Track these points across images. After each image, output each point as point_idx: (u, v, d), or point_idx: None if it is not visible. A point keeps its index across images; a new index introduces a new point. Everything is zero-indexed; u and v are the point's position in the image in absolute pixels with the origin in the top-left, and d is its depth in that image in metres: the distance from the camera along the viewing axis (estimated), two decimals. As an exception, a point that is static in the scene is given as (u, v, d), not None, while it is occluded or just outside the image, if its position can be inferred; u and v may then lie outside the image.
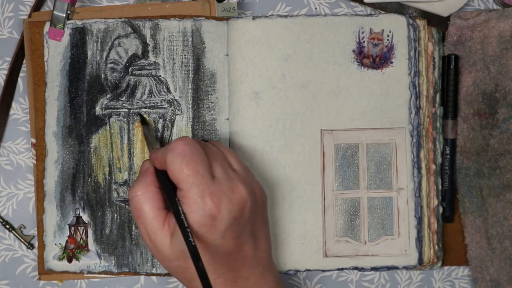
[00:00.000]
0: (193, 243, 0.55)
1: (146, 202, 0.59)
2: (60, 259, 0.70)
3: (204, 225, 0.57)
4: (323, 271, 0.71)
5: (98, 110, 0.70)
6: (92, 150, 0.70)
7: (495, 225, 0.72)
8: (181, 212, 0.57)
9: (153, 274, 0.71)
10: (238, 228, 0.59)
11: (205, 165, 0.58)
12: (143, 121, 0.70)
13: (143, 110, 0.70)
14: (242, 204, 0.58)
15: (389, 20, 0.71)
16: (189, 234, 0.55)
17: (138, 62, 0.71)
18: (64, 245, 0.70)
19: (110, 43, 0.71)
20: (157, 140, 0.69)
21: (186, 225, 0.56)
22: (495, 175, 0.72)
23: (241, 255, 0.60)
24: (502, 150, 0.72)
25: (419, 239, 0.70)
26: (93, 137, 0.70)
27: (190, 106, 0.70)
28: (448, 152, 0.72)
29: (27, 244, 0.72)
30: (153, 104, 0.70)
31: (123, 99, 0.70)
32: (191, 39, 0.71)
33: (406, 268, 0.71)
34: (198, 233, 0.57)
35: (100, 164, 0.70)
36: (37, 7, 0.73)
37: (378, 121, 0.70)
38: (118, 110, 0.70)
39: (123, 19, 0.71)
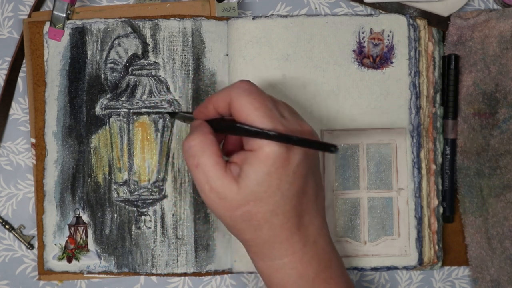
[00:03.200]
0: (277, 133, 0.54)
1: (205, 149, 0.56)
2: (60, 259, 0.70)
3: (280, 157, 0.55)
4: (323, 271, 0.71)
5: (98, 110, 0.70)
6: (92, 150, 0.70)
7: (495, 225, 0.72)
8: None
9: (153, 274, 0.71)
10: (306, 164, 0.57)
11: (272, 102, 0.57)
12: (172, 114, 0.69)
13: (143, 110, 0.70)
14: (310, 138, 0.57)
15: (389, 20, 0.71)
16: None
17: (138, 62, 0.71)
18: (64, 245, 0.70)
19: (110, 43, 0.71)
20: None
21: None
22: (496, 175, 0.72)
23: (305, 198, 0.58)
24: (503, 150, 0.72)
25: (419, 239, 0.70)
26: (93, 137, 0.70)
27: (190, 106, 0.70)
28: (448, 152, 0.72)
29: (27, 244, 0.72)
30: (153, 104, 0.70)
31: (123, 99, 0.70)
32: (191, 39, 0.71)
33: (406, 268, 0.71)
34: (273, 166, 0.55)
35: (100, 164, 0.70)
36: (37, 7, 0.73)
37: (378, 121, 0.70)
38: (118, 110, 0.70)
39: (123, 19, 0.71)
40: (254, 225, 0.57)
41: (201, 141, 0.56)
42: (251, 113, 0.55)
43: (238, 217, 0.57)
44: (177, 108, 0.70)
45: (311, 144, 0.54)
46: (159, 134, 0.70)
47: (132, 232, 0.70)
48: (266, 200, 0.56)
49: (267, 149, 0.55)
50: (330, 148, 0.52)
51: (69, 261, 0.70)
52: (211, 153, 0.56)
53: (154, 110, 0.70)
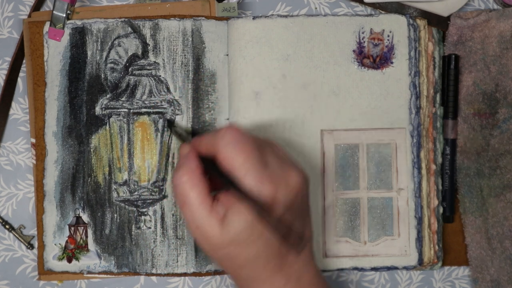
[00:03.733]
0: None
1: (192, 188, 0.57)
2: (60, 259, 0.70)
3: (263, 210, 0.56)
4: (323, 271, 0.71)
5: (98, 110, 0.70)
6: (92, 150, 0.70)
7: (495, 225, 0.72)
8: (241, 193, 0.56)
9: (153, 274, 0.71)
10: (292, 212, 0.58)
11: (257, 152, 0.57)
12: (170, 124, 0.69)
13: (143, 110, 0.70)
14: (297, 188, 0.58)
15: (389, 20, 0.71)
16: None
17: (138, 62, 0.71)
18: (64, 245, 0.70)
19: (110, 43, 0.71)
20: (189, 135, 0.69)
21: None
22: (496, 175, 0.72)
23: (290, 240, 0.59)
24: (503, 150, 0.72)
25: (419, 239, 0.70)
26: (93, 137, 0.70)
27: (190, 106, 0.70)
28: (448, 152, 0.72)
29: (27, 244, 0.72)
30: (153, 104, 0.70)
31: (123, 99, 0.70)
32: (191, 39, 0.71)
33: (406, 268, 0.71)
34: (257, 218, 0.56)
35: (100, 164, 0.70)
36: (37, 7, 0.73)
37: (378, 121, 0.70)
38: (118, 110, 0.70)
39: (123, 19, 0.71)
40: (236, 264, 0.59)
41: (189, 179, 0.57)
42: (235, 169, 0.56)
43: (221, 256, 0.58)
44: (177, 108, 0.70)
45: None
46: (159, 134, 0.70)
47: (132, 232, 0.70)
48: (248, 245, 0.57)
49: (250, 203, 0.56)
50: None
51: (69, 261, 0.70)
52: (199, 192, 0.57)
53: (154, 110, 0.70)
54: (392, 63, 0.70)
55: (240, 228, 0.56)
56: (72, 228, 0.70)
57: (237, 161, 0.56)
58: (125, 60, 0.71)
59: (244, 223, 0.56)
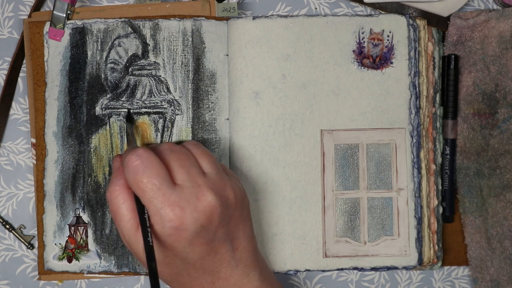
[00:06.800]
0: (150, 243, 0.55)
1: (122, 204, 0.58)
2: (60, 259, 0.70)
3: (170, 235, 0.56)
4: (323, 271, 0.71)
5: (98, 110, 0.70)
6: (92, 150, 0.70)
7: (495, 225, 0.72)
8: (145, 213, 0.57)
9: (153, 274, 0.71)
10: (208, 234, 0.58)
11: (161, 176, 0.57)
12: (129, 118, 0.69)
13: (143, 110, 0.70)
14: (209, 210, 0.57)
15: (389, 20, 0.71)
16: (148, 234, 0.55)
17: (138, 62, 0.71)
18: (64, 245, 0.70)
19: (110, 43, 0.71)
20: (136, 140, 0.69)
21: (148, 224, 0.56)
22: (495, 175, 0.72)
23: (217, 257, 0.59)
24: (502, 150, 0.72)
25: (419, 239, 0.70)
26: (93, 137, 0.70)
27: (190, 106, 0.70)
28: (448, 152, 0.72)
29: (27, 244, 0.72)
30: (153, 104, 0.70)
31: (123, 99, 0.70)
32: (191, 39, 0.71)
33: (406, 268, 0.71)
34: (166, 242, 0.57)
35: (100, 164, 0.70)
36: (37, 7, 0.73)
37: (378, 121, 0.70)
38: (118, 110, 0.70)
39: (123, 19, 0.71)
40: (164, 279, 0.60)
41: (119, 195, 0.58)
42: (140, 196, 0.57)
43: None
44: (177, 108, 0.70)
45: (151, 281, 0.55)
46: (159, 134, 0.70)
47: (132, 232, 0.70)
48: (167, 265, 0.59)
49: (156, 228, 0.57)
50: None
51: (69, 261, 0.70)
52: (128, 208, 0.58)
53: (154, 110, 0.70)
54: (392, 63, 0.71)
55: (155, 249, 0.57)
56: (72, 228, 0.70)
57: (139, 189, 0.56)
58: (125, 60, 0.71)
59: (157, 246, 0.58)
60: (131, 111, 0.70)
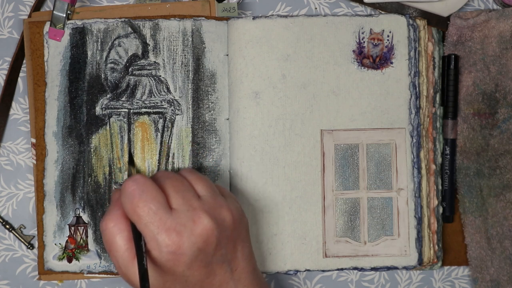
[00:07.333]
0: (145, 267, 0.55)
1: (118, 234, 0.58)
2: (60, 259, 0.70)
3: (168, 260, 0.56)
4: (323, 271, 0.71)
5: (98, 110, 0.70)
6: (92, 150, 0.70)
7: (495, 225, 0.72)
8: (142, 241, 0.57)
9: (153, 274, 0.71)
10: (205, 257, 0.58)
11: (158, 201, 0.57)
12: (131, 161, 0.67)
13: (143, 110, 0.70)
14: (206, 234, 0.57)
15: (389, 20, 0.71)
16: (144, 258, 0.56)
17: (138, 62, 0.71)
18: (64, 245, 0.70)
19: (110, 43, 0.71)
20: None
21: (144, 250, 0.56)
22: (495, 175, 0.72)
23: (216, 279, 0.59)
24: (502, 150, 0.72)
25: (419, 239, 0.70)
26: (93, 137, 0.70)
27: (190, 106, 0.71)
28: (448, 152, 0.72)
29: (27, 244, 0.72)
30: (153, 104, 0.70)
31: (123, 99, 0.70)
32: (191, 39, 0.71)
33: (406, 268, 0.71)
34: (164, 267, 0.57)
35: (100, 164, 0.70)
36: (37, 7, 0.73)
37: (378, 121, 0.70)
38: (118, 110, 0.70)
39: (123, 19, 0.71)
40: None
41: (115, 225, 0.58)
42: (136, 222, 0.57)
43: None
44: (177, 108, 0.70)
45: None
46: (159, 134, 0.70)
47: (132, 232, 0.70)
48: None
49: (153, 254, 0.57)
50: None
51: (69, 261, 0.70)
52: (123, 238, 0.58)
53: (154, 110, 0.70)
54: (392, 63, 0.71)
55: (153, 275, 0.57)
56: (72, 228, 0.70)
57: (136, 215, 0.56)
58: (125, 60, 0.71)
59: (154, 272, 0.57)
60: (131, 111, 0.70)
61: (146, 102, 0.70)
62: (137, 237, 0.57)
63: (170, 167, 0.70)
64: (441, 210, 0.72)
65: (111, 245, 0.58)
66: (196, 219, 0.57)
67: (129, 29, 0.71)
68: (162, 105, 0.70)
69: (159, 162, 0.70)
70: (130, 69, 0.71)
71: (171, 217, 0.57)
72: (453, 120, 0.72)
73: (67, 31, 0.70)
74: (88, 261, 0.70)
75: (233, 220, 0.60)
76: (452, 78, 0.72)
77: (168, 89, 0.71)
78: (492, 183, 0.72)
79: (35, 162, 0.71)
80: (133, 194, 0.57)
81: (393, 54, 0.70)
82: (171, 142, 0.71)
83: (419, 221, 0.70)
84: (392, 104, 0.70)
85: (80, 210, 0.70)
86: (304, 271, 0.70)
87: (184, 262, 0.57)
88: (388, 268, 0.71)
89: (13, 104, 0.74)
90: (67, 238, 0.70)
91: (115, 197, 0.61)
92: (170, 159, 0.71)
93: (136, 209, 0.56)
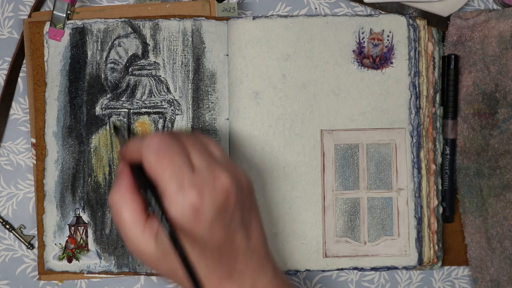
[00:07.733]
0: (170, 226, 0.53)
1: (124, 207, 0.56)
2: (60, 259, 0.70)
3: (188, 218, 0.54)
4: (323, 271, 0.71)
5: (98, 110, 0.70)
6: (92, 150, 0.70)
7: (495, 225, 0.72)
8: (161, 209, 0.55)
9: (153, 274, 0.71)
10: (225, 217, 0.56)
11: (182, 156, 0.55)
12: (116, 129, 0.67)
13: (143, 110, 0.70)
14: (226, 191, 0.56)
15: (389, 20, 0.71)
16: (170, 227, 0.54)
17: (138, 62, 0.71)
18: (64, 245, 0.70)
19: (110, 43, 0.71)
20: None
21: (166, 218, 0.54)
22: (495, 175, 0.72)
23: (233, 246, 0.58)
24: (502, 150, 0.72)
25: (419, 239, 0.70)
26: (93, 137, 0.70)
27: (190, 106, 0.71)
28: (448, 152, 0.72)
29: (27, 244, 0.72)
30: (153, 104, 0.70)
31: (123, 99, 0.70)
32: (191, 39, 0.71)
33: (406, 268, 0.71)
34: (183, 227, 0.55)
35: (100, 164, 0.70)
36: (37, 7, 0.73)
37: (378, 121, 0.70)
38: (118, 110, 0.70)
39: (123, 19, 0.71)
40: (179, 276, 0.57)
41: (121, 198, 0.57)
42: (159, 176, 0.55)
43: (161, 270, 0.57)
44: (177, 108, 0.70)
45: (187, 272, 0.53)
46: (159, 134, 0.70)
47: (132, 232, 0.70)
48: None
49: (174, 210, 0.54)
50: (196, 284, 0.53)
51: (69, 261, 0.70)
52: (131, 211, 0.56)
53: (154, 110, 0.70)
54: (392, 63, 0.71)
55: (168, 243, 0.55)
56: (72, 228, 0.70)
57: (160, 168, 0.55)
58: (125, 60, 0.71)
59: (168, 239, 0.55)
60: (131, 111, 0.70)
61: (146, 102, 0.70)
62: (156, 197, 0.55)
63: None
64: (441, 210, 0.72)
65: (119, 218, 0.57)
66: (216, 177, 0.56)
67: (129, 29, 0.71)
68: (162, 105, 0.70)
69: (159, 162, 0.70)
70: (130, 69, 0.71)
71: (194, 173, 0.55)
72: (453, 120, 0.72)
73: (67, 31, 0.70)
74: (88, 261, 0.70)
75: (247, 182, 0.59)
76: (452, 78, 0.72)
77: (168, 89, 0.71)
78: (492, 183, 0.72)
79: (35, 162, 0.71)
80: (159, 147, 0.55)
81: (393, 54, 0.71)
82: (171, 142, 0.71)
83: (419, 221, 0.70)
84: (392, 104, 0.70)
85: (80, 210, 0.70)
86: (304, 271, 0.70)
87: (204, 221, 0.55)
88: (388, 268, 0.71)
89: (13, 104, 0.74)
90: (67, 238, 0.70)
91: (119, 168, 0.59)
92: (170, 159, 0.70)
93: (161, 162, 0.55)
